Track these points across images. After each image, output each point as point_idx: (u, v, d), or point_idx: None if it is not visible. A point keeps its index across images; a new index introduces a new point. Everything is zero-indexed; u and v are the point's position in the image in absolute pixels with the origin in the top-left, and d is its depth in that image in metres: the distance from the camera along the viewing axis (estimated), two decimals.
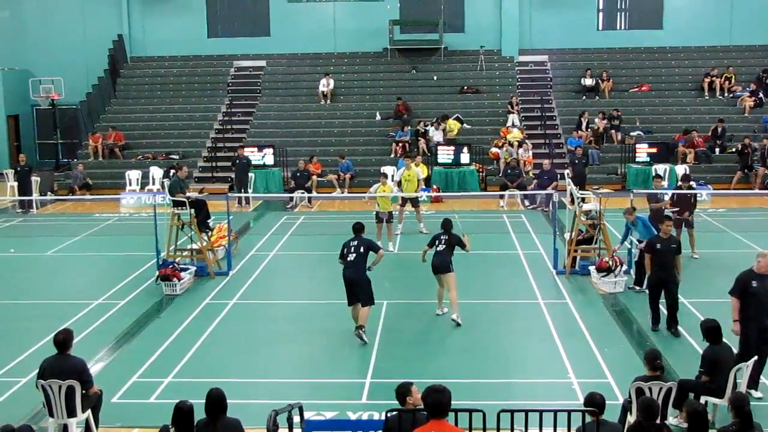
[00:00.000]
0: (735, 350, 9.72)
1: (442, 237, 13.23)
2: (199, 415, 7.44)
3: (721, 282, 15.30)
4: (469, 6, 33.09)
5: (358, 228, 12.56)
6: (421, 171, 21.58)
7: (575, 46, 32.94)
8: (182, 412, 7.34)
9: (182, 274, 15.36)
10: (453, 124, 28.22)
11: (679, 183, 18.15)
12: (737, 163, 26.27)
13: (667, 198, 17.21)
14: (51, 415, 8.79)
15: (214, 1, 33.85)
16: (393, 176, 22.02)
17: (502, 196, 24.06)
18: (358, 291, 12.13)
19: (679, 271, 12.57)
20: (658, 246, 12.53)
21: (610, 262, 14.70)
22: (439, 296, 13.45)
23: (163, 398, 10.25)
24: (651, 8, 33.05)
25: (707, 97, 30.33)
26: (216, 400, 7.37)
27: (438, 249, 13.14)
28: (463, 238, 13.32)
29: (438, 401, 6.19)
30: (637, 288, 14.73)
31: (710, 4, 32.66)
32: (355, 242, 12.27)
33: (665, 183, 22.35)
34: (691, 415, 7.44)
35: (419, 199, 20.85)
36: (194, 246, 16.51)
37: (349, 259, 12.18)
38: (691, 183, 18.27)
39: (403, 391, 7.31)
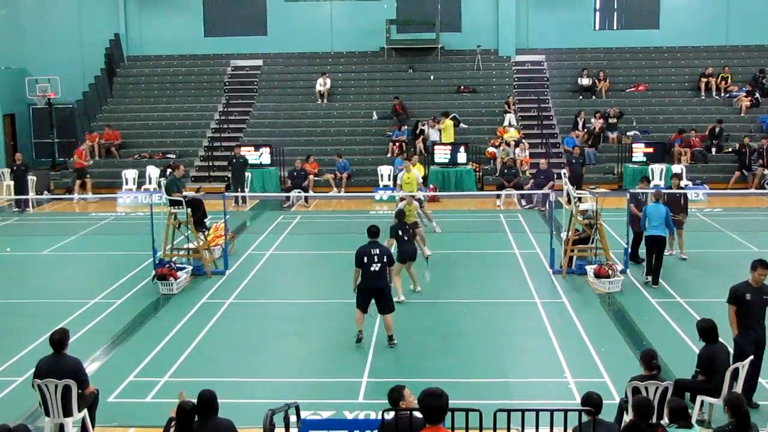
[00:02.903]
0: (731, 350, 9.71)
1: (405, 228, 14.48)
2: None
3: (717, 282, 15.35)
4: (466, 5, 33.09)
5: (374, 232, 12.18)
6: (419, 172, 21.56)
7: (572, 46, 32.96)
8: (185, 411, 7.35)
9: (179, 273, 15.34)
10: (447, 124, 28.03)
11: (672, 181, 18.16)
12: (735, 163, 26.31)
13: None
14: (47, 414, 8.78)
15: (211, 0, 33.84)
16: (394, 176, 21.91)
17: (498, 196, 24.06)
18: (383, 301, 12.01)
19: None
20: (748, 297, 9.71)
21: (609, 272, 14.73)
22: (400, 285, 14.06)
23: (159, 398, 10.25)
24: (647, 8, 33.08)
25: (703, 97, 30.36)
26: (207, 401, 7.36)
27: (405, 239, 14.29)
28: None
29: (434, 406, 5.88)
30: (649, 278, 14.98)
31: (706, 4, 32.69)
32: (377, 251, 11.89)
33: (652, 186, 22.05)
34: (674, 412, 7.53)
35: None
36: (191, 245, 16.49)
37: (372, 269, 11.82)
38: (682, 183, 18.16)
39: (395, 397, 7.20)
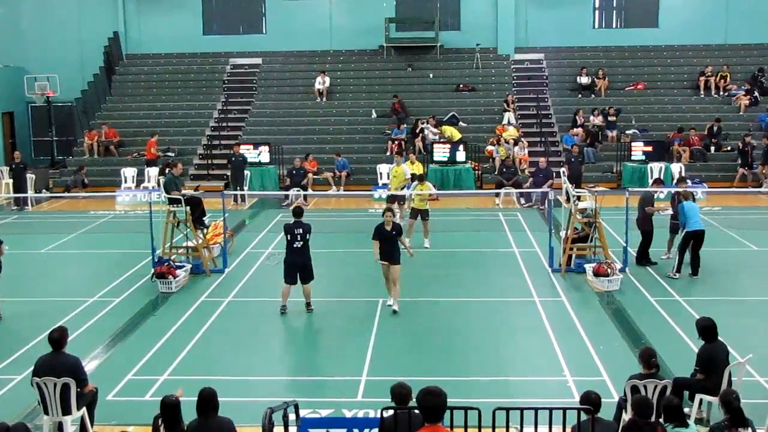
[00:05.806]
0: (731, 349, 9.71)
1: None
2: (192, 413, 7.41)
3: (717, 280, 15.40)
4: (465, 4, 33.09)
5: (298, 212, 13.48)
6: (409, 168, 21.41)
7: (571, 44, 32.96)
8: (167, 406, 7.36)
9: (178, 271, 15.33)
10: (450, 131, 27.97)
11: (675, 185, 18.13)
12: (734, 161, 26.30)
13: (662, 197, 17.17)
14: (46, 412, 8.77)
15: None
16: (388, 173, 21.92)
17: (497, 194, 24.07)
18: (305, 273, 13.39)
19: None
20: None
21: (608, 270, 14.75)
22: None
23: (158, 396, 10.15)
24: (646, 6, 33.10)
25: (702, 96, 30.37)
26: (207, 399, 7.35)
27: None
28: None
29: (433, 404, 5.89)
30: (678, 275, 15.24)
31: (706, 2, 32.70)
32: (300, 230, 13.27)
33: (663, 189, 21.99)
34: (667, 410, 7.53)
35: (405, 197, 20.51)
36: (190, 243, 16.49)
37: (296, 246, 13.26)
38: (687, 182, 18.17)
39: (406, 392, 7.02)
